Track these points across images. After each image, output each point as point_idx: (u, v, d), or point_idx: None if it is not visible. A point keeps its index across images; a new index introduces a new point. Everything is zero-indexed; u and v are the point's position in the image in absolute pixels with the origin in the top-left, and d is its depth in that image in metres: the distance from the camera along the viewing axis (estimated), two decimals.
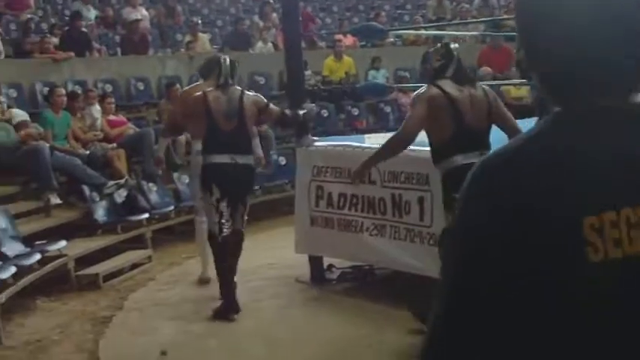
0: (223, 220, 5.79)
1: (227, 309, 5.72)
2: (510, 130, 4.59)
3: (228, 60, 5.96)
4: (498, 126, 4.75)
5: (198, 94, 5.93)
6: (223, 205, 5.77)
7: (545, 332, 1.16)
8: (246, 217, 6.12)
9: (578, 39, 1.18)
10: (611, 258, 1.12)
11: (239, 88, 6.02)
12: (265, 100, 6.14)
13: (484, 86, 4.95)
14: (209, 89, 5.86)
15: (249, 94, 6.00)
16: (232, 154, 5.74)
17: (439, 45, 5.02)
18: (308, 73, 10.02)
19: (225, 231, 5.80)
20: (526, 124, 6.45)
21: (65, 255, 6.88)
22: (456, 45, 4.94)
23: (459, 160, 4.45)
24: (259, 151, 7.00)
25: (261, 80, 12.11)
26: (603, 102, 1.19)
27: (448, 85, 4.66)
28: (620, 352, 1.14)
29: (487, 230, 1.16)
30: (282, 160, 9.90)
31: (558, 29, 1.19)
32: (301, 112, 6.32)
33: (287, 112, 6.35)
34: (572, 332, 1.15)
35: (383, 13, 14.88)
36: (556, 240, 1.13)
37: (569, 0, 1.19)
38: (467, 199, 1.21)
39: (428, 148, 4.78)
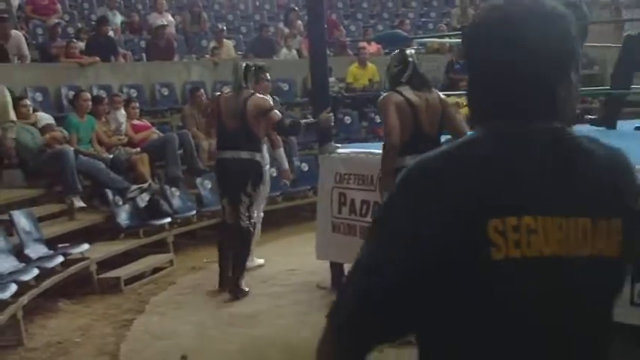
0: (225, 213, 6.49)
1: (220, 282, 6.53)
2: (459, 137, 4.67)
3: (243, 66, 6.46)
4: (449, 132, 4.88)
5: (216, 94, 6.72)
6: (224, 201, 6.48)
7: (456, 318, 1.33)
8: (256, 213, 6.55)
9: (524, 73, 1.36)
10: (511, 257, 1.29)
11: (252, 91, 6.35)
12: (269, 106, 6.37)
13: (440, 93, 5.21)
14: (226, 91, 6.58)
15: (256, 97, 6.32)
16: (235, 150, 6.30)
17: (397, 51, 5.27)
18: (332, 79, 10.02)
19: (229, 220, 6.46)
20: None
21: (88, 258, 6.93)
22: (412, 51, 5.20)
23: (407, 160, 4.61)
24: (285, 165, 7.60)
25: (285, 87, 12.13)
26: (534, 124, 1.36)
27: (407, 91, 4.94)
28: (517, 339, 1.33)
29: (411, 224, 1.31)
30: (305, 167, 9.90)
31: (509, 62, 1.36)
32: (304, 121, 6.69)
33: (286, 120, 6.59)
34: (480, 320, 1.32)
35: (407, 21, 14.85)
36: (467, 237, 1.28)
37: (520, 41, 1.36)
38: (396, 194, 1.37)
39: None
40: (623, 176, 1.41)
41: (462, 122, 5.28)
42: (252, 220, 6.49)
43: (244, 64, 6.51)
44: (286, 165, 7.67)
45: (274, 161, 7.62)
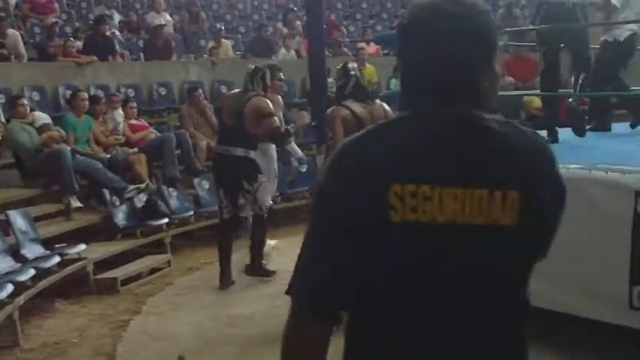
0: (222, 206, 6.65)
1: (221, 281, 6.66)
2: None
3: (251, 69, 6.63)
4: None
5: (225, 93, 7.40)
6: (221, 193, 6.65)
7: (370, 285, 1.49)
8: (260, 207, 6.65)
9: (445, 63, 1.51)
10: (407, 221, 1.44)
11: (256, 93, 6.48)
12: (269, 110, 6.48)
13: (383, 103, 5.46)
14: (233, 92, 6.89)
15: (258, 98, 6.44)
16: (228, 146, 6.49)
17: (339, 66, 5.58)
18: (330, 80, 9.99)
19: (225, 215, 6.63)
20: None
21: (84, 258, 6.90)
22: (354, 64, 5.49)
23: None
24: (299, 153, 8.10)
25: (284, 87, 12.08)
26: (449, 108, 1.50)
27: (352, 104, 5.22)
28: (418, 302, 1.48)
29: (335, 191, 1.50)
30: (303, 168, 9.88)
31: (432, 54, 1.52)
32: (289, 126, 7.14)
33: (281, 129, 6.82)
34: (384, 285, 1.49)
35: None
36: (374, 202, 1.45)
37: (442, 35, 1.51)
38: (326, 168, 1.55)
39: None
40: (533, 156, 1.51)
41: None
42: (264, 208, 6.69)
43: (253, 67, 6.66)
44: (300, 153, 8.08)
45: (288, 154, 7.99)
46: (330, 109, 5.41)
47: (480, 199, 1.45)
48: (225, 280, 6.68)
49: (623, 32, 6.91)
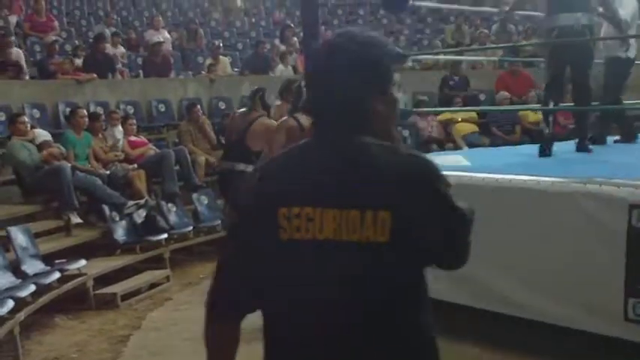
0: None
1: None
2: None
3: (252, 90, 7.07)
4: None
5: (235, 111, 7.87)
6: (227, 207, 6.96)
7: (262, 280, 1.71)
8: None
9: (336, 94, 1.69)
10: (293, 239, 1.65)
11: (259, 113, 6.76)
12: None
13: None
14: (241, 110, 7.26)
15: (264, 119, 6.69)
16: (233, 161, 6.74)
17: (295, 84, 6.17)
18: None
19: None
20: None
21: (84, 274, 6.92)
22: None
23: None
24: None
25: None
26: (335, 136, 1.70)
27: (303, 118, 5.54)
28: (302, 312, 1.67)
29: (242, 213, 1.76)
30: None
31: (316, 85, 1.76)
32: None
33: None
34: (276, 296, 1.70)
35: (402, 38, 14.93)
36: (265, 221, 1.67)
37: (334, 68, 1.70)
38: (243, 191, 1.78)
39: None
40: (407, 178, 1.65)
41: None
42: None
43: (255, 88, 7.05)
44: None
45: None
46: (281, 120, 5.90)
47: (354, 219, 1.62)
48: None
49: (631, 49, 6.96)
